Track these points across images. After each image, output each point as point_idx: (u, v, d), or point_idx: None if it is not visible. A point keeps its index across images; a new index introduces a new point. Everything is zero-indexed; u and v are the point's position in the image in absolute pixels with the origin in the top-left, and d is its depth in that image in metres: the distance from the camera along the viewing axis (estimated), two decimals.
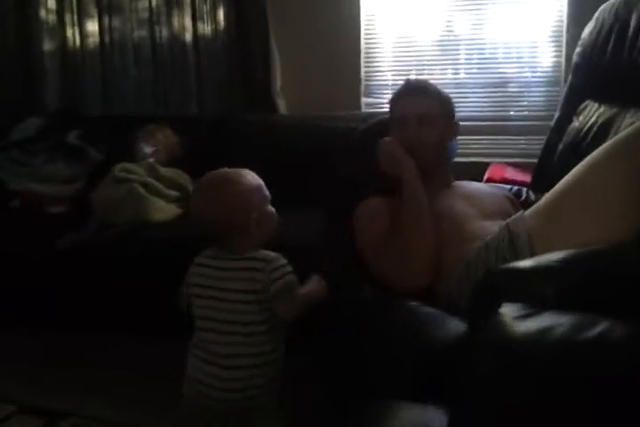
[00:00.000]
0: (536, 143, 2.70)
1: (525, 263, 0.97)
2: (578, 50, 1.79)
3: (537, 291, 0.90)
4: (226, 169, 1.28)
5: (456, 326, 1.05)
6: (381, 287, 1.38)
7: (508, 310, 0.84)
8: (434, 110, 1.62)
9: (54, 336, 2.09)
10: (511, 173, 2.44)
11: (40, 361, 2.01)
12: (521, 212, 1.23)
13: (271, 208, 1.27)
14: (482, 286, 0.99)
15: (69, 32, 3.11)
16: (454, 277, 1.30)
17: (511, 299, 0.89)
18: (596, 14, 1.74)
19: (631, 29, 1.57)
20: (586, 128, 1.68)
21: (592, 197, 1.08)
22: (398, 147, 1.53)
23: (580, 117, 1.74)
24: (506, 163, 2.58)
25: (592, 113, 1.69)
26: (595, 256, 0.95)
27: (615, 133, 1.56)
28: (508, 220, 1.24)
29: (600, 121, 1.64)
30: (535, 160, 2.62)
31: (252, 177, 1.26)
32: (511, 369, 0.74)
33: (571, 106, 1.80)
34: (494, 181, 2.28)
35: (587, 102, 1.74)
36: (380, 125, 1.75)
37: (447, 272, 1.34)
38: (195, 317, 1.26)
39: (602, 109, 1.67)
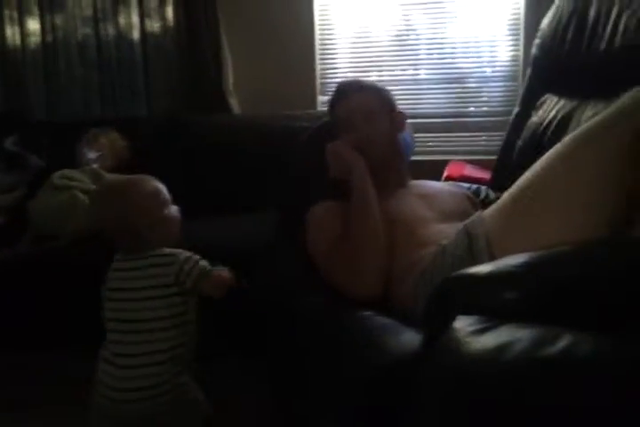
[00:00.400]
0: (496, 140, 2.66)
1: (483, 269, 0.88)
2: (537, 41, 1.72)
3: (496, 299, 0.82)
4: (121, 176, 1.37)
5: (411, 338, 0.96)
6: (335, 293, 1.28)
7: (462, 324, 0.75)
8: (376, 105, 1.55)
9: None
10: (471, 171, 2.38)
11: None
12: (479, 212, 1.15)
13: (171, 213, 1.30)
14: (436, 295, 0.90)
15: (9, 31, 2.96)
16: (409, 284, 1.21)
17: (467, 309, 0.81)
18: (556, 2, 1.67)
19: (590, 18, 1.51)
20: (545, 123, 1.62)
21: (553, 194, 1.01)
22: (346, 147, 1.44)
23: (540, 112, 1.67)
24: (465, 160, 2.53)
25: (551, 107, 1.63)
26: (557, 259, 0.87)
27: (576, 127, 1.50)
28: (466, 221, 1.15)
29: (560, 115, 1.57)
30: (495, 157, 2.59)
31: (148, 183, 1.29)
32: (466, 391, 0.66)
33: (530, 100, 1.74)
34: (453, 179, 2.21)
35: (546, 96, 1.68)
36: (331, 124, 1.66)
37: (401, 279, 1.26)
38: (104, 320, 1.28)
39: (562, 103, 1.60)
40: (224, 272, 1.26)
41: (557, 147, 1.07)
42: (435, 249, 1.20)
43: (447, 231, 1.34)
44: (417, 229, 1.36)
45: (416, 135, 2.41)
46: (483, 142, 2.68)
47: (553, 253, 0.90)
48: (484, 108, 2.69)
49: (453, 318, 0.80)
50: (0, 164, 2.36)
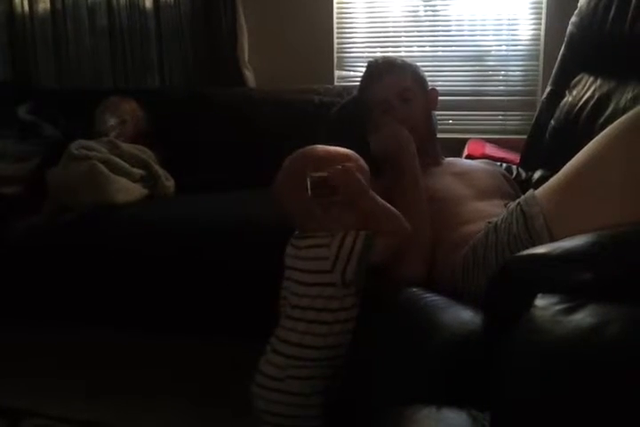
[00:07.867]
0: (514, 119, 2.65)
1: (552, 248, 0.87)
2: (573, 19, 1.70)
3: (571, 279, 0.81)
4: (305, 148, 1.19)
5: (470, 316, 0.96)
6: (378, 273, 1.26)
7: (546, 303, 0.74)
8: (408, 83, 1.52)
9: (11, 330, 1.93)
10: (491, 150, 2.36)
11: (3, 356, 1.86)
12: (531, 191, 1.14)
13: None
14: (503, 275, 0.90)
15: None
16: (454, 262, 1.20)
17: (543, 289, 0.80)
18: None
19: None
20: (581, 103, 1.60)
21: (615, 174, 0.99)
22: (402, 129, 1.40)
23: (574, 92, 1.65)
24: (483, 139, 2.52)
25: (587, 87, 1.61)
26: (628, 238, 0.86)
27: (615, 108, 1.49)
28: (520, 200, 1.14)
29: (597, 95, 1.56)
30: (513, 136, 2.57)
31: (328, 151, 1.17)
32: (562, 370, 0.65)
33: (563, 79, 1.72)
34: (474, 158, 2.20)
35: (581, 75, 1.65)
36: (359, 101, 1.63)
37: (444, 257, 1.25)
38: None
39: (598, 83, 1.58)
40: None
41: (614, 126, 1.05)
42: (483, 227, 1.19)
43: (487, 209, 1.33)
44: (456, 207, 1.35)
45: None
46: (500, 122, 2.66)
47: (622, 232, 0.89)
48: (503, 88, 2.66)
49: (529, 298, 0.79)
50: (14, 133, 2.30)
